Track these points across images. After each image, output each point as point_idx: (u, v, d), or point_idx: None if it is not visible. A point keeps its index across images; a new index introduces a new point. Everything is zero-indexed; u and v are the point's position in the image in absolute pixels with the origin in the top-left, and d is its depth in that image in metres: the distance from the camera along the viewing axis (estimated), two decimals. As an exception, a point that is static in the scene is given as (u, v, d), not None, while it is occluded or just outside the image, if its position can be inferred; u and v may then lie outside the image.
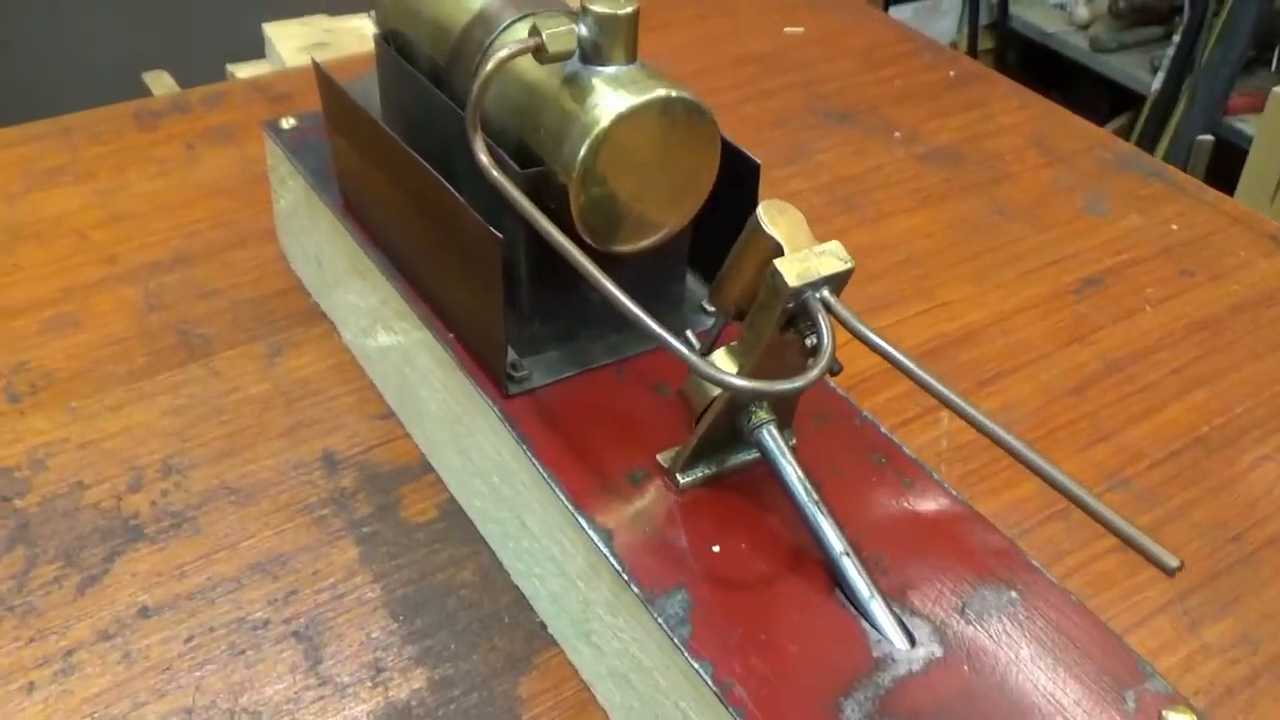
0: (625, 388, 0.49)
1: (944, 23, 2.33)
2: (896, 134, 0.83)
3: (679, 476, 0.44)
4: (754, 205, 0.49)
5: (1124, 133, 2.10)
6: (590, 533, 0.43)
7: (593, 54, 0.44)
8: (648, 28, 0.94)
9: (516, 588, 0.50)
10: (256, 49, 1.02)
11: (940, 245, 0.73)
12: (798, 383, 0.36)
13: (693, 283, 0.54)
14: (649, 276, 0.50)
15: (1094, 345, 0.66)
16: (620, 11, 0.43)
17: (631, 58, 0.44)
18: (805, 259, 0.38)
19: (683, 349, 0.38)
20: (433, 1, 0.51)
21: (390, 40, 0.54)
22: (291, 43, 0.96)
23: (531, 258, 0.47)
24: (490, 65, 0.43)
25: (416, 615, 0.49)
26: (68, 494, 0.54)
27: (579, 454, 0.46)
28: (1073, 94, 2.18)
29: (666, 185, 0.45)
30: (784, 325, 0.39)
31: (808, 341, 0.39)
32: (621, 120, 0.43)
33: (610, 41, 0.43)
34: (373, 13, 0.58)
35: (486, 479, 0.50)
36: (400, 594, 0.50)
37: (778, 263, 0.37)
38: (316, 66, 0.54)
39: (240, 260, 0.68)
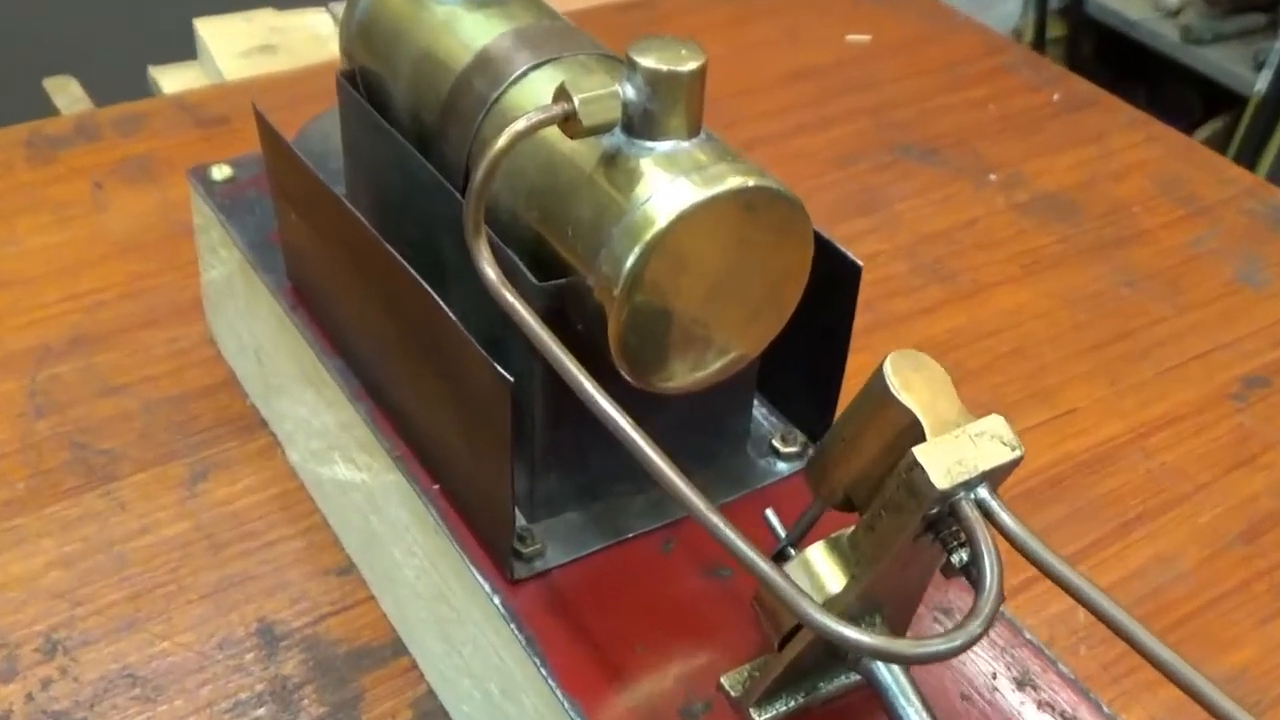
0: (674, 568, 0.42)
1: (1006, 7, 2.26)
2: (992, 176, 0.77)
3: (754, 714, 0.37)
4: (849, 316, 0.43)
5: (1220, 139, 2.04)
6: (632, 799, 0.35)
7: (642, 125, 0.37)
8: (673, 32, 0.88)
9: (520, 831, 0.43)
10: (186, 48, 0.95)
11: (1057, 329, 0.66)
12: (955, 643, 0.29)
13: (758, 413, 0.47)
14: (705, 410, 0.44)
15: (1265, 471, 0.59)
16: (681, 69, 0.36)
17: (694, 129, 0.38)
18: (957, 446, 0.31)
19: (775, 576, 0.31)
20: (417, 34, 0.44)
21: (358, 82, 0.46)
22: (230, 44, 0.89)
23: (548, 393, 0.40)
24: (501, 142, 0.36)
25: None
26: (-86, 684, 0.46)
27: (613, 671, 0.39)
28: (1159, 92, 2.12)
29: (738, 303, 0.39)
30: (921, 531, 0.32)
31: (954, 558, 0.31)
32: (684, 220, 0.36)
33: (667, 108, 0.36)
34: (330, 6, 0.51)
35: (480, 684, 0.43)
36: (362, 839, 0.42)
37: (919, 453, 0.30)
38: (260, 119, 0.46)
39: (157, 344, 0.61)
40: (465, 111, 0.42)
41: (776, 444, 0.46)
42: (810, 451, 0.46)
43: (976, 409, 0.60)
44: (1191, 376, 0.64)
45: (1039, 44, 2.20)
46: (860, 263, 0.42)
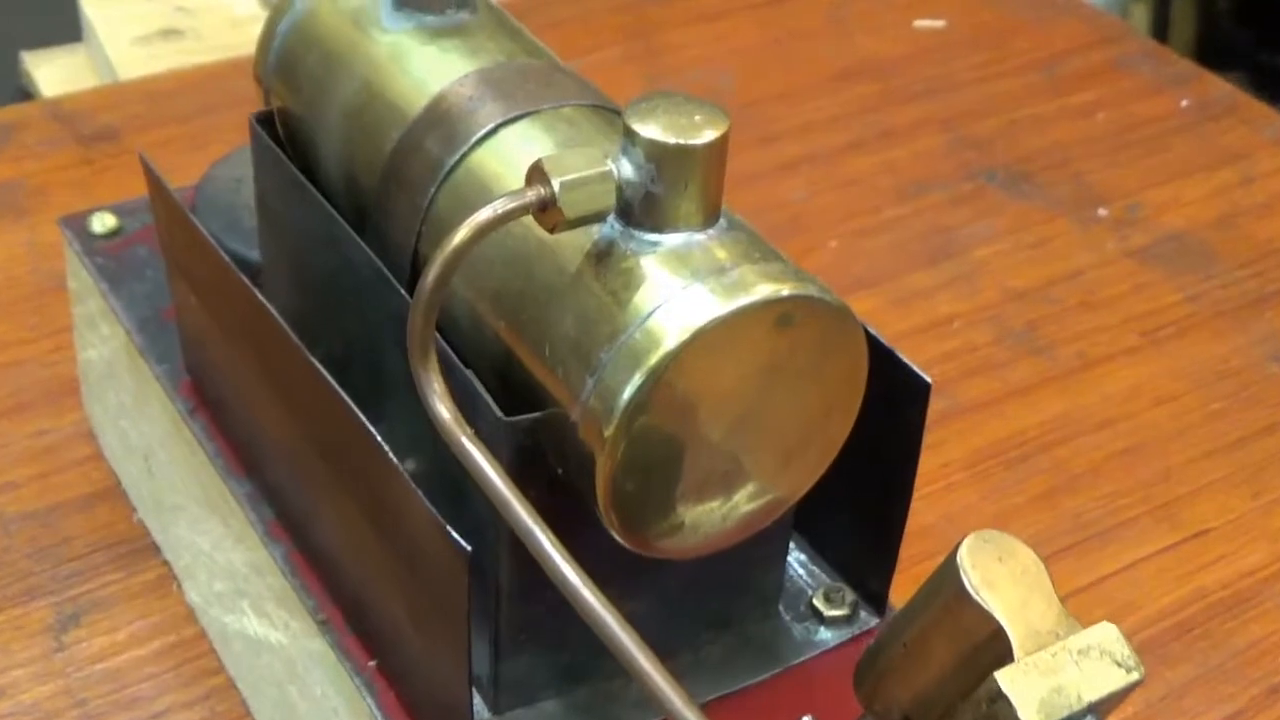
0: (682, 779, 0.41)
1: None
2: (1102, 211, 0.78)
3: None
4: (914, 443, 0.43)
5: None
6: None
7: (643, 212, 0.36)
8: (696, 18, 0.88)
9: None
10: (69, 28, 0.95)
11: (1186, 421, 0.66)
12: None
13: (794, 561, 0.47)
14: (725, 562, 0.43)
15: None
16: (694, 141, 0.35)
17: (711, 216, 0.37)
18: (1055, 668, 0.31)
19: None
20: (353, 70, 0.44)
21: (276, 129, 0.47)
22: (124, 27, 0.89)
23: (518, 555, 0.39)
24: (459, 237, 0.35)
25: None
26: None
27: None
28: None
29: (769, 442, 0.38)
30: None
31: (1051, 810, 0.31)
32: (700, 341, 0.35)
33: (675, 191, 0.36)
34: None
35: None
36: None
37: (1004, 680, 0.30)
38: (150, 174, 0.46)
39: (18, 439, 0.61)
40: (414, 180, 0.42)
41: (818, 604, 0.46)
42: (862, 614, 0.46)
43: (1081, 525, 0.60)
44: (1361, 487, 0.64)
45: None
46: (929, 379, 0.41)
